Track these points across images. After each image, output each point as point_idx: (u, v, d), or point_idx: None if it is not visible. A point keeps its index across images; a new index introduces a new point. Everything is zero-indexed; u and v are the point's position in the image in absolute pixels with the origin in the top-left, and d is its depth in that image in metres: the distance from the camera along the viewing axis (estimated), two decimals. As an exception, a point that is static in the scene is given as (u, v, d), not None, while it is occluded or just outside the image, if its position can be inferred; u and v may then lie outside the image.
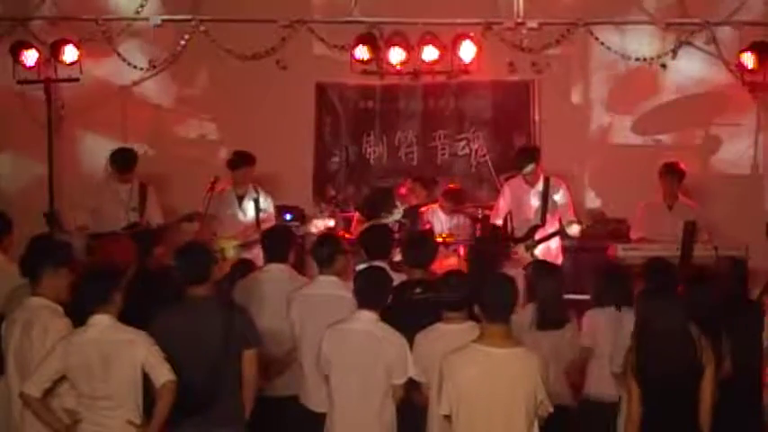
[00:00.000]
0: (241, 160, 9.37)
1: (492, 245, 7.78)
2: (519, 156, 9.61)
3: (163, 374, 5.49)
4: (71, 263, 6.05)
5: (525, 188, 9.45)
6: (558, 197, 9.39)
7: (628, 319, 6.16)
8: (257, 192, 9.46)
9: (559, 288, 6.73)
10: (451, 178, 10.70)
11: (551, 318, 6.53)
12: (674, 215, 9.21)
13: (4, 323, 6.03)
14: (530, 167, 9.30)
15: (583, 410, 6.60)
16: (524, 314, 6.50)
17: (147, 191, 9.46)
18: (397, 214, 9.26)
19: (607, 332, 6.46)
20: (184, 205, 9.82)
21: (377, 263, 6.66)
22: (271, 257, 7.09)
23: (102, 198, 9.45)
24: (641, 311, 5.51)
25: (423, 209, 9.75)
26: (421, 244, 7.05)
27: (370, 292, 6.00)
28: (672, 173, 9.31)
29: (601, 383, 6.48)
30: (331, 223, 9.42)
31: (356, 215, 9.64)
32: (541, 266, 7.21)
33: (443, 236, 9.40)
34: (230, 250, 9.13)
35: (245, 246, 9.09)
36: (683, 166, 9.43)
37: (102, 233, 9.07)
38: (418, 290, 6.46)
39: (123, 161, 9.41)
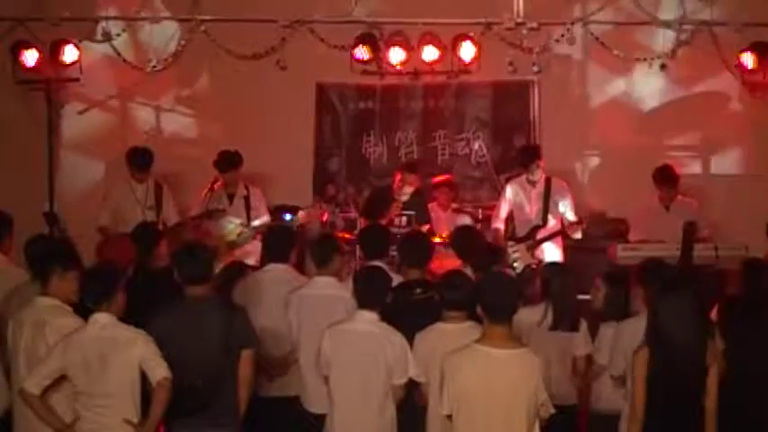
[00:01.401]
0: (227, 163, 9.38)
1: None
2: (522, 155, 9.63)
3: (159, 372, 5.50)
4: (80, 266, 6.05)
5: (527, 188, 9.46)
6: (560, 198, 9.40)
7: (625, 323, 6.14)
8: (247, 189, 9.52)
9: (574, 290, 6.70)
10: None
11: (566, 320, 6.50)
12: (671, 215, 9.19)
13: (11, 324, 6.03)
14: (534, 166, 9.32)
15: (591, 424, 6.58)
16: (535, 312, 6.46)
17: (163, 190, 9.53)
18: (395, 209, 9.22)
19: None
20: (184, 205, 9.84)
21: (375, 262, 6.67)
22: (272, 257, 7.09)
23: (120, 198, 9.49)
24: (655, 310, 5.45)
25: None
26: (417, 244, 7.05)
27: (368, 293, 6.00)
28: (666, 178, 9.24)
29: (608, 397, 6.39)
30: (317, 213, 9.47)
31: (361, 220, 9.58)
32: (556, 267, 7.17)
33: (443, 236, 9.40)
34: (224, 247, 9.15)
35: (238, 242, 9.13)
36: (676, 170, 9.37)
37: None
38: (418, 290, 6.46)
39: (140, 160, 9.45)
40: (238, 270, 7.37)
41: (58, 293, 5.93)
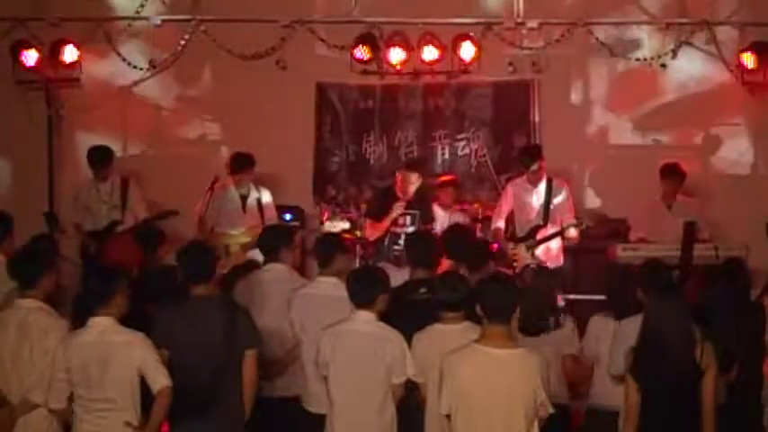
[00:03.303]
0: (241, 165, 9.37)
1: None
2: (523, 154, 9.60)
3: (159, 379, 5.49)
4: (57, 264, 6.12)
5: (528, 188, 9.44)
6: (560, 199, 9.39)
7: (626, 322, 6.15)
8: (258, 191, 9.51)
9: (546, 292, 6.71)
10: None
11: (532, 325, 6.50)
12: (673, 214, 9.22)
13: None
14: (536, 165, 9.31)
15: (589, 419, 6.58)
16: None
17: (129, 186, 9.53)
18: (398, 208, 9.20)
19: (608, 340, 6.36)
20: (184, 206, 9.83)
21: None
22: (269, 257, 7.10)
23: (85, 197, 9.55)
24: (647, 312, 5.50)
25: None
26: (424, 243, 7.06)
27: (362, 293, 5.99)
28: (673, 174, 9.29)
29: (607, 393, 6.38)
30: (346, 225, 9.40)
31: (367, 221, 9.55)
32: (533, 271, 7.16)
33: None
34: (235, 246, 9.19)
35: (251, 243, 9.12)
36: (683, 166, 9.43)
37: (96, 232, 9.18)
38: (423, 290, 6.46)
39: (96, 158, 9.49)
40: (244, 269, 7.38)
41: (41, 294, 5.93)
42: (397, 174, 9.43)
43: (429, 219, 9.27)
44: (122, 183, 9.53)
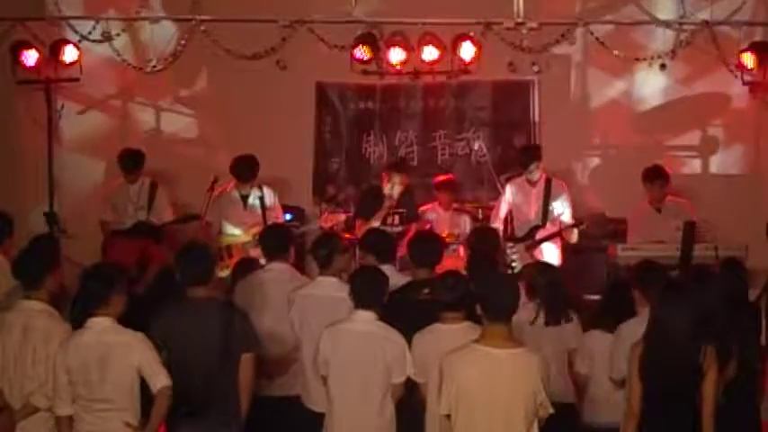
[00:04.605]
0: (245, 172, 9.33)
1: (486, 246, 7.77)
2: (522, 155, 9.62)
3: (159, 380, 5.48)
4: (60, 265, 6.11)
5: (527, 188, 9.46)
6: (560, 200, 9.40)
7: (625, 326, 6.14)
8: (261, 190, 9.48)
9: (561, 284, 6.74)
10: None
11: (559, 314, 6.52)
12: (663, 217, 9.19)
13: None
14: (533, 166, 9.32)
15: None
16: (525, 312, 6.48)
17: (158, 190, 9.55)
18: (387, 207, 9.20)
19: (603, 358, 6.36)
20: (184, 205, 9.84)
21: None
22: (270, 257, 7.10)
23: (115, 195, 9.59)
24: (653, 312, 5.49)
25: (423, 208, 9.75)
26: (427, 243, 7.07)
27: (365, 292, 6.00)
28: (656, 177, 9.23)
29: (599, 410, 6.41)
30: (341, 217, 9.42)
31: (357, 220, 9.55)
32: (540, 265, 7.19)
33: (443, 236, 9.39)
34: (237, 246, 9.18)
35: (251, 243, 9.12)
36: (666, 169, 9.37)
37: (120, 231, 9.21)
38: (426, 290, 6.45)
39: (126, 162, 9.52)
40: (247, 267, 7.37)
41: (46, 295, 5.92)
42: (384, 174, 9.46)
43: (413, 218, 9.29)
44: (151, 185, 9.57)
